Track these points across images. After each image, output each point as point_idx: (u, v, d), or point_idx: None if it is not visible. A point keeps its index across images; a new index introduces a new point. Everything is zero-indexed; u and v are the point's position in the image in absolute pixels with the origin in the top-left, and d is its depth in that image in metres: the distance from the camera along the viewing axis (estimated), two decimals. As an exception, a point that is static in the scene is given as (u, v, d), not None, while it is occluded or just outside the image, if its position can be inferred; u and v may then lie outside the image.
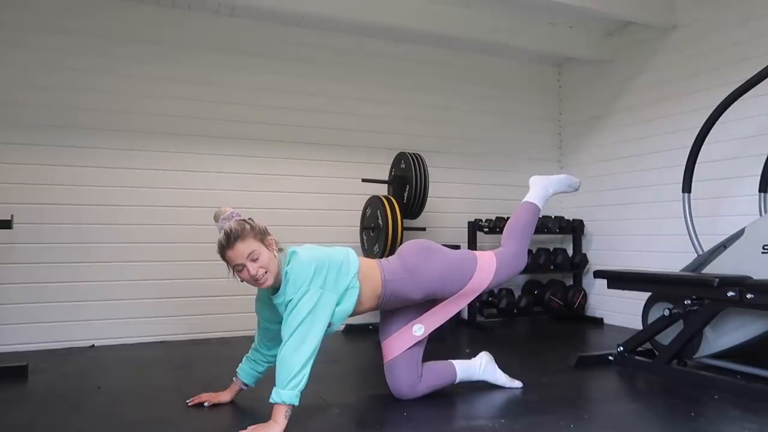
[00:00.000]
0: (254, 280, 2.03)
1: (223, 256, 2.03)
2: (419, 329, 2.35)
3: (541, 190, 2.60)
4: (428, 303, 2.41)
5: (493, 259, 2.42)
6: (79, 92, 3.63)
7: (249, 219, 2.07)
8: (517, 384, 2.53)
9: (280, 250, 2.12)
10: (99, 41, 3.69)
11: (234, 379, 2.34)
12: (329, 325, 2.09)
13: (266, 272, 2.02)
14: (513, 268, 2.47)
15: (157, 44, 3.83)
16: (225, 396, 2.31)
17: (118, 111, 3.72)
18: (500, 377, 2.54)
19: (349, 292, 2.14)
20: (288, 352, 1.93)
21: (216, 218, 2.08)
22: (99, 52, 3.68)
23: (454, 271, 2.34)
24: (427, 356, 2.43)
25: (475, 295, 2.42)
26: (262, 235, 2.05)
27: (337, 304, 2.10)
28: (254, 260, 2.00)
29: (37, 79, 3.54)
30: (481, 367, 2.52)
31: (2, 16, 3.48)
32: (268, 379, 2.15)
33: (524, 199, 2.60)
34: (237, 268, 2.03)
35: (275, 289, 2.10)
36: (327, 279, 2.06)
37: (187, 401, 2.29)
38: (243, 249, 1.99)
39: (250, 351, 2.35)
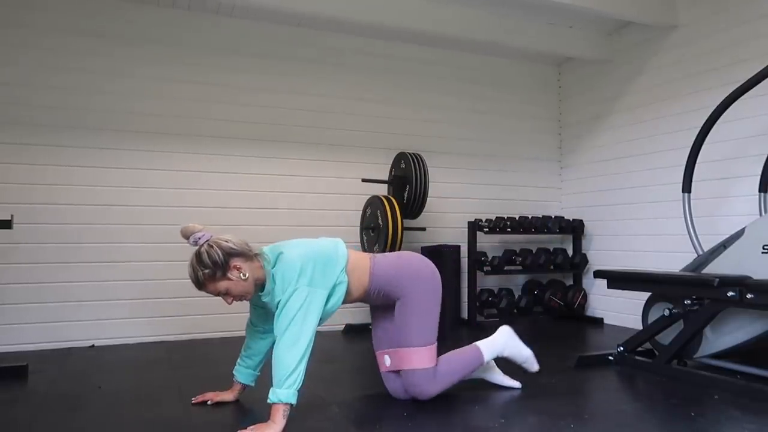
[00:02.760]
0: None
1: None
2: (387, 360, 2.35)
3: (499, 346, 2.46)
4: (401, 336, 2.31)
5: (435, 358, 2.29)
6: (77, 92, 3.63)
7: (207, 248, 1.99)
8: (516, 384, 2.53)
9: (256, 255, 2.08)
10: (98, 42, 3.69)
11: (233, 381, 2.35)
12: (320, 320, 2.10)
13: (242, 296, 2.08)
14: (427, 381, 2.24)
15: (156, 44, 3.83)
16: (228, 395, 2.32)
17: (118, 111, 3.72)
18: (499, 376, 2.54)
19: (338, 287, 2.14)
20: (282, 352, 1.94)
21: (184, 236, 2.05)
22: (99, 52, 3.69)
23: (429, 317, 2.29)
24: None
25: (413, 367, 2.23)
26: (222, 269, 1.99)
27: (327, 299, 2.10)
28: (226, 294, 2.05)
29: (36, 79, 3.54)
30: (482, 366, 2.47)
31: (4, 16, 3.48)
32: (268, 377, 2.14)
33: (478, 342, 2.46)
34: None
35: (261, 287, 2.11)
36: (314, 275, 2.05)
37: (192, 399, 2.30)
38: (210, 290, 2.05)
39: (242, 349, 2.35)
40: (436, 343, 2.30)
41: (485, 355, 2.42)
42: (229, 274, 2.01)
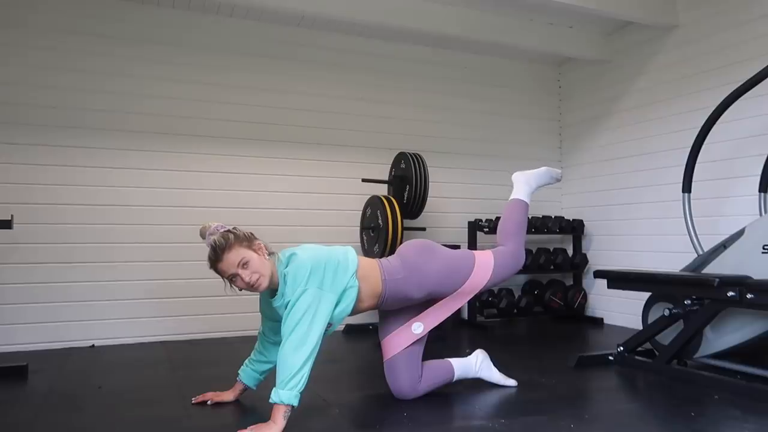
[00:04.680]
0: (250, 287, 2.04)
1: (216, 270, 2.05)
2: (418, 327, 2.35)
3: (525, 186, 2.64)
4: (427, 301, 2.41)
5: (490, 258, 2.43)
6: (78, 92, 3.63)
7: (233, 228, 2.09)
8: (512, 382, 2.54)
9: (271, 253, 2.13)
10: (99, 41, 3.69)
11: (237, 380, 2.35)
12: (329, 325, 2.09)
13: (259, 277, 2.03)
14: (512, 266, 2.48)
15: (156, 44, 3.83)
16: (228, 395, 2.32)
17: (119, 111, 3.72)
18: (495, 375, 2.55)
19: (348, 292, 2.13)
20: (287, 352, 1.94)
21: (202, 234, 2.08)
22: (99, 52, 3.68)
23: (453, 270, 2.35)
24: (427, 356, 2.43)
25: (473, 294, 2.43)
26: (248, 241, 2.07)
27: (337, 304, 2.10)
28: (245, 267, 2.02)
29: (37, 78, 3.54)
30: (477, 364, 2.52)
31: (5, 16, 3.49)
32: (270, 377, 2.15)
33: (511, 197, 2.63)
34: (231, 278, 2.04)
35: (273, 291, 2.10)
36: (324, 279, 2.06)
37: (192, 399, 2.30)
38: (232, 258, 2.01)
39: (252, 353, 2.36)
40: (474, 260, 2.40)
41: None
42: (253, 247, 2.07)
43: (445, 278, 2.33)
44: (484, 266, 2.40)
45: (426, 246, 2.39)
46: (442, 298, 2.40)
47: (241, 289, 2.09)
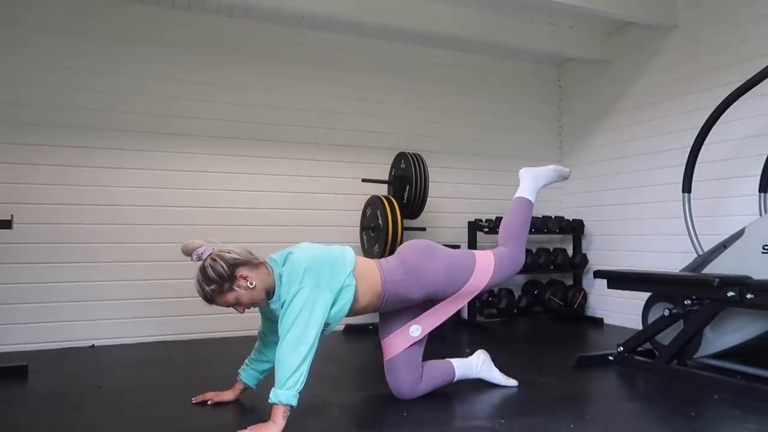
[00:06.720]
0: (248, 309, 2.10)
1: None
2: (416, 330, 2.35)
3: (531, 184, 2.61)
4: (426, 302, 2.40)
5: (491, 259, 2.42)
6: (79, 92, 3.63)
7: (211, 262, 1.96)
8: (513, 383, 2.54)
9: (262, 263, 2.07)
10: (99, 41, 3.69)
11: (237, 379, 2.35)
12: (327, 324, 2.09)
13: (253, 303, 2.08)
14: (512, 267, 2.47)
15: (156, 44, 3.83)
16: (228, 395, 2.32)
17: (119, 111, 3.72)
18: (496, 375, 2.55)
19: (345, 291, 2.12)
20: (284, 352, 1.93)
21: (186, 253, 2.03)
22: (99, 51, 3.69)
23: (454, 271, 2.34)
24: (428, 355, 2.44)
25: (473, 296, 2.42)
26: (229, 281, 1.98)
27: (333, 303, 2.09)
28: (237, 303, 2.05)
29: (37, 78, 3.54)
30: (478, 365, 2.52)
31: (3, 15, 3.48)
32: (270, 376, 2.15)
33: (516, 195, 2.60)
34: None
35: (271, 294, 2.10)
36: (320, 277, 2.05)
37: (192, 399, 2.30)
38: (221, 303, 2.04)
39: (252, 352, 2.36)
40: (475, 261, 2.39)
41: None
42: (236, 285, 2.00)
43: (445, 279, 2.32)
44: (485, 268, 2.39)
45: (426, 247, 2.37)
46: (441, 300, 2.39)
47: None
